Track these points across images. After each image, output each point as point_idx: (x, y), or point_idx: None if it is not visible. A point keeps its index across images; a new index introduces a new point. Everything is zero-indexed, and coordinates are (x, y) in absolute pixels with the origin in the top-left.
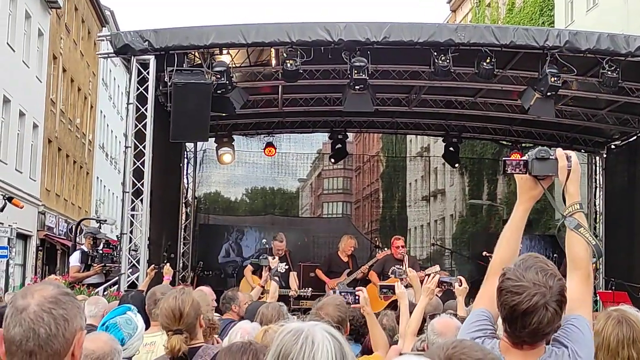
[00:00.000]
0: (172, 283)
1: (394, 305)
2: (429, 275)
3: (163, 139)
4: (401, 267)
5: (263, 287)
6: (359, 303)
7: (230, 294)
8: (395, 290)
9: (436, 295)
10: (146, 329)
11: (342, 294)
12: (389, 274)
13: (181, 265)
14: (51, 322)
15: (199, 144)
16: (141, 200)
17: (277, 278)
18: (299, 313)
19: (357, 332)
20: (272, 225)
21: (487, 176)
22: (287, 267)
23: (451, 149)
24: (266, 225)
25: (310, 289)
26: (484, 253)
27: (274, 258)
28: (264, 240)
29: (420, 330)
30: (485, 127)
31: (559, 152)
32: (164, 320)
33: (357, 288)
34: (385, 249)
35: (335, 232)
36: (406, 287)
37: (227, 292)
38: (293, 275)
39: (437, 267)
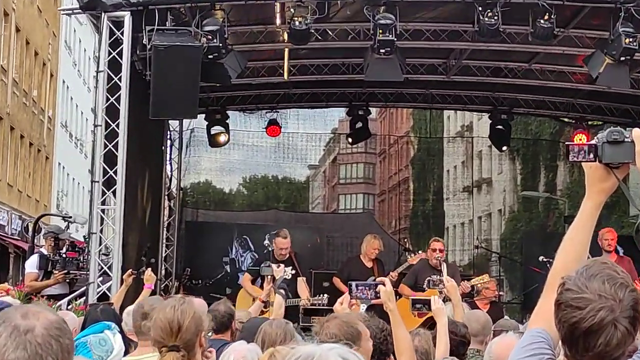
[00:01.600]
0: (154, 294)
1: (430, 324)
2: (473, 287)
3: (141, 116)
4: (438, 276)
5: (265, 302)
6: (378, 297)
7: (224, 308)
8: (431, 305)
9: (483, 310)
10: (126, 352)
11: (360, 288)
12: (424, 286)
13: (163, 272)
14: (58, 352)
15: (186, 122)
16: (114, 192)
17: (282, 291)
18: (309, 334)
19: (380, 352)
20: (275, 222)
21: (544, 162)
22: (293, 271)
23: (499, 127)
24: (268, 223)
25: (326, 295)
26: (541, 258)
27: (279, 266)
28: (266, 242)
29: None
30: (542, 101)
31: (636, 133)
32: (158, 334)
33: (378, 279)
34: (420, 252)
35: (355, 232)
36: (444, 301)
37: (219, 305)
38: (302, 281)
39: (485, 277)
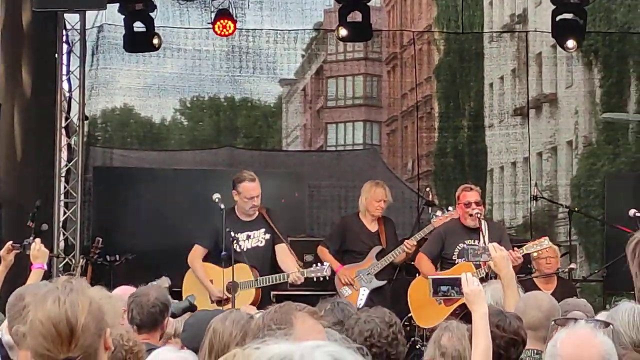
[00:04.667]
0: (48, 276)
1: (462, 314)
2: (530, 260)
3: (17, 6)
4: (477, 242)
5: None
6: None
7: (155, 293)
8: (462, 287)
9: (546, 292)
10: None
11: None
12: (454, 257)
13: (62, 245)
14: None
15: (90, 16)
16: None
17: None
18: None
19: (386, 357)
20: (230, 166)
21: (636, 68)
22: (267, 236)
23: (567, 16)
24: (221, 168)
25: (327, 264)
26: (633, 212)
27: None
28: (216, 196)
29: None
30: None
31: None
32: (40, 344)
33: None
34: (450, 209)
35: (352, 179)
36: (484, 280)
37: (147, 289)
38: (284, 249)
39: (544, 241)
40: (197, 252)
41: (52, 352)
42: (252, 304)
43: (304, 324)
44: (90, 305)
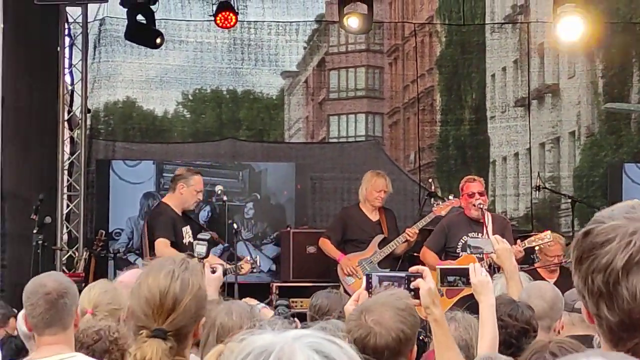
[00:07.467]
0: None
1: (466, 304)
2: (533, 251)
3: (21, 0)
4: (480, 234)
5: None
6: (415, 298)
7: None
8: (470, 277)
9: (549, 281)
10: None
11: (382, 281)
12: (458, 250)
13: (65, 237)
14: None
15: (92, 9)
16: None
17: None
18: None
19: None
20: (233, 158)
21: (639, 59)
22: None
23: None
24: (223, 160)
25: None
26: (636, 202)
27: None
28: (218, 188)
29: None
30: None
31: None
32: (139, 307)
33: (413, 269)
34: (451, 198)
35: (355, 171)
36: (491, 270)
37: None
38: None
39: (547, 235)
40: (161, 244)
41: (148, 319)
42: None
43: None
44: (198, 290)
